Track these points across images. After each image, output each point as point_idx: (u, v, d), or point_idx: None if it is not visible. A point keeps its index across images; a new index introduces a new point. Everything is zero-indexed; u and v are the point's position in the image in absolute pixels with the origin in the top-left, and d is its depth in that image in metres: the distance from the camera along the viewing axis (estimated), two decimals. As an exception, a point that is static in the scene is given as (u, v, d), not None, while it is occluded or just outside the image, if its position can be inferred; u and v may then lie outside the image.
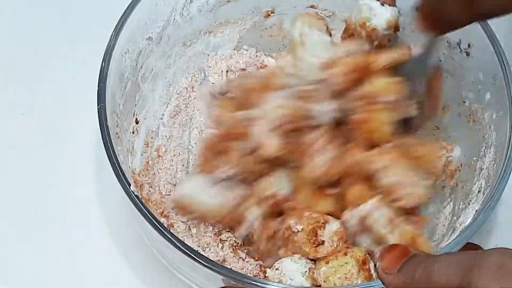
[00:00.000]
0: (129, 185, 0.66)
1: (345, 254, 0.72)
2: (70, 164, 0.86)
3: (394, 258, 0.53)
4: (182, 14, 0.81)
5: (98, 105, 0.70)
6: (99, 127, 0.70)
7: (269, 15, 0.87)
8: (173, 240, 0.64)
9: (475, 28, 0.76)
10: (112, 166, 0.67)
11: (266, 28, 0.89)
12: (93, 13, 0.96)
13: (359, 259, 0.72)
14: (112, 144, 0.68)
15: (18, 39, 0.95)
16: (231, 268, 0.69)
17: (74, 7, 0.98)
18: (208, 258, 0.64)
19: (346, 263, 0.72)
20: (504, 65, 0.74)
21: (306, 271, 0.71)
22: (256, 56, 0.90)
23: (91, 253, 0.81)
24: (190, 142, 0.84)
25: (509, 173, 0.70)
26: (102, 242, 0.82)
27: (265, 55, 0.90)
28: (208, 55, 0.88)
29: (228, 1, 0.84)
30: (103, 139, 0.68)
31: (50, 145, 0.87)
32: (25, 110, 0.90)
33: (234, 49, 0.89)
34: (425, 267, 0.51)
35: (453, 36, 0.79)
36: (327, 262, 0.72)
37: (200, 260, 0.63)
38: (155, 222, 0.65)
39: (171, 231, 0.65)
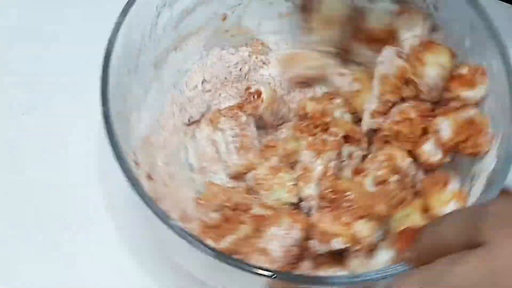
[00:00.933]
0: (140, 186, 0.66)
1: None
2: (71, 163, 0.86)
3: (406, 241, 0.57)
4: (151, 37, 0.79)
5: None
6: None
7: (226, 17, 0.87)
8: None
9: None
10: (123, 171, 0.67)
11: (227, 30, 0.88)
12: (94, 13, 0.96)
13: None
14: (118, 144, 0.67)
15: (18, 38, 0.96)
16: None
17: (74, 6, 0.98)
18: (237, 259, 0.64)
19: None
20: None
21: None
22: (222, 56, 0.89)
23: (93, 254, 0.81)
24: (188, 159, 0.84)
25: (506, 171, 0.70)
26: (105, 243, 0.82)
27: (231, 54, 0.89)
28: (178, 71, 0.86)
29: (188, 14, 0.83)
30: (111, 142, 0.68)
31: (50, 145, 0.88)
32: (25, 110, 0.90)
33: (201, 58, 0.87)
34: (432, 232, 0.53)
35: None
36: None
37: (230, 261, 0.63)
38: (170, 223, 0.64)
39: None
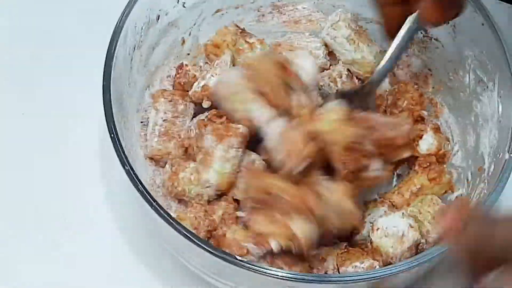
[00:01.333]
0: (151, 196, 0.67)
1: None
2: (71, 164, 0.86)
3: (453, 218, 0.55)
4: (130, 84, 0.80)
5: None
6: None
7: (184, 41, 0.88)
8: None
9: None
10: (128, 176, 0.68)
11: (188, 54, 0.89)
12: (93, 13, 0.96)
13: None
14: (121, 144, 0.69)
15: (18, 38, 0.96)
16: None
17: (75, 6, 0.98)
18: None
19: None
20: None
21: (403, 213, 0.76)
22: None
23: (93, 254, 0.81)
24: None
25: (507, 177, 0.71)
26: (105, 243, 0.82)
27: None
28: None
29: (154, 48, 0.84)
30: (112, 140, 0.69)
31: (50, 145, 0.88)
32: (25, 110, 0.90)
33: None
34: (485, 227, 0.53)
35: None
36: (408, 204, 0.77)
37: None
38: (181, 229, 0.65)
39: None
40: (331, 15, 0.87)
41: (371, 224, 0.76)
